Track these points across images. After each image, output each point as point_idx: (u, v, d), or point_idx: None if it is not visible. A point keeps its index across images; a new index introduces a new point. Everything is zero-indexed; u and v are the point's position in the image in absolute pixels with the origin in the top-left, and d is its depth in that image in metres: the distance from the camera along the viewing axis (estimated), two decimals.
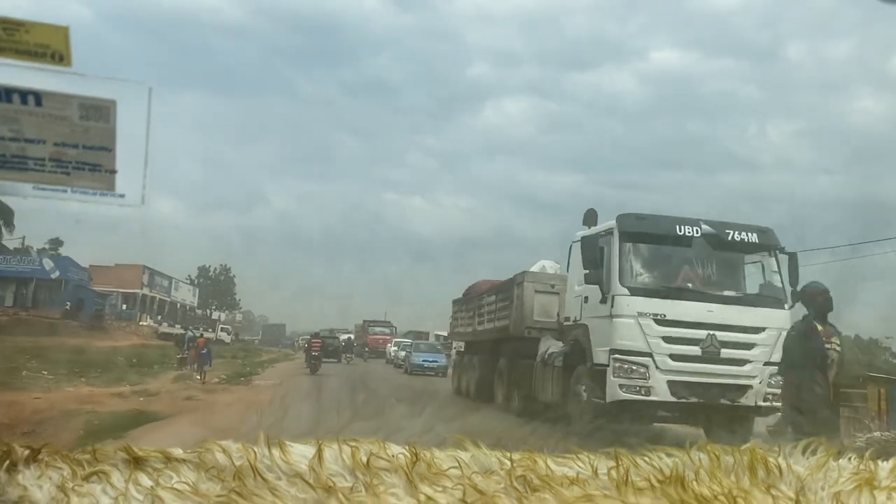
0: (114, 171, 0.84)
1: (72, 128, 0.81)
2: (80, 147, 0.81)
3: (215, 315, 70.84)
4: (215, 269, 75.35)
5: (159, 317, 55.10)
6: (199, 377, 21.58)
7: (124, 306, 53.04)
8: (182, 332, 24.43)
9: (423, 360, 32.72)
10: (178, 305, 62.77)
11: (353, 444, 1.04)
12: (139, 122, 0.84)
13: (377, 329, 53.83)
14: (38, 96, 0.89)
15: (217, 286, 74.87)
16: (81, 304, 40.32)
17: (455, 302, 21.65)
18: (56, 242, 48.90)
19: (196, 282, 73.13)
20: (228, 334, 58.60)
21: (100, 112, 0.82)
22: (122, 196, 0.85)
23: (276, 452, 1.01)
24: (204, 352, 25.24)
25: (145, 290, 55.63)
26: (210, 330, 55.59)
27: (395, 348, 41.58)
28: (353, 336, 55.55)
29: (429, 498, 0.95)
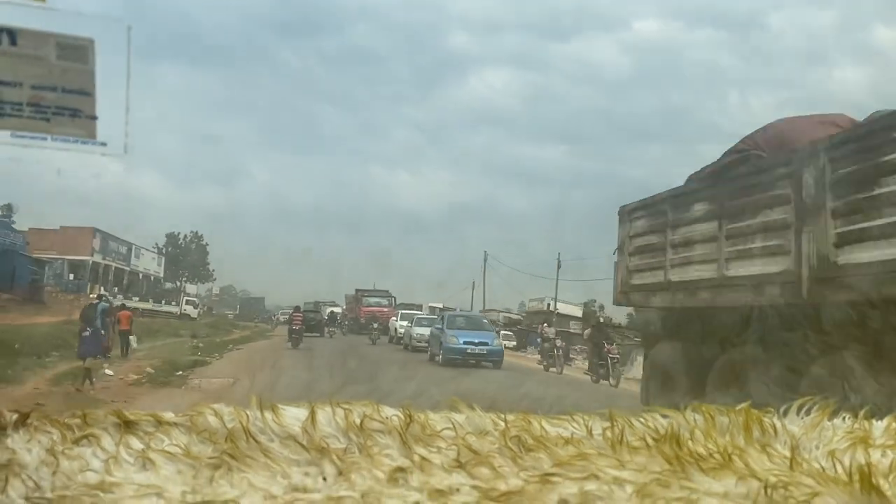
0: (94, 118, 0.81)
1: (49, 69, 0.77)
2: (58, 90, 0.77)
3: (191, 289, 63.62)
4: (185, 236, 66.28)
5: (115, 289, 45.42)
6: (106, 370, 15.00)
7: (71, 276, 45.00)
8: (95, 300, 16.86)
9: (467, 344, 21.96)
10: (140, 276, 54.86)
11: (346, 406, 1.03)
12: (118, 63, 0.81)
13: (372, 300, 44.99)
14: (13, 34, 0.84)
15: (187, 255, 65.80)
16: (12, 272, 33.05)
17: (646, 208, 9.56)
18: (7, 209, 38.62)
19: (164, 251, 63.87)
20: (195, 307, 51.83)
21: (78, 52, 0.78)
22: (103, 145, 0.82)
23: (268, 415, 1.01)
24: (124, 331, 18.89)
25: (97, 258, 47.18)
26: (172, 302, 51.18)
27: (406, 323, 31.39)
28: (341, 309, 50.80)
29: (423, 458, 0.95)
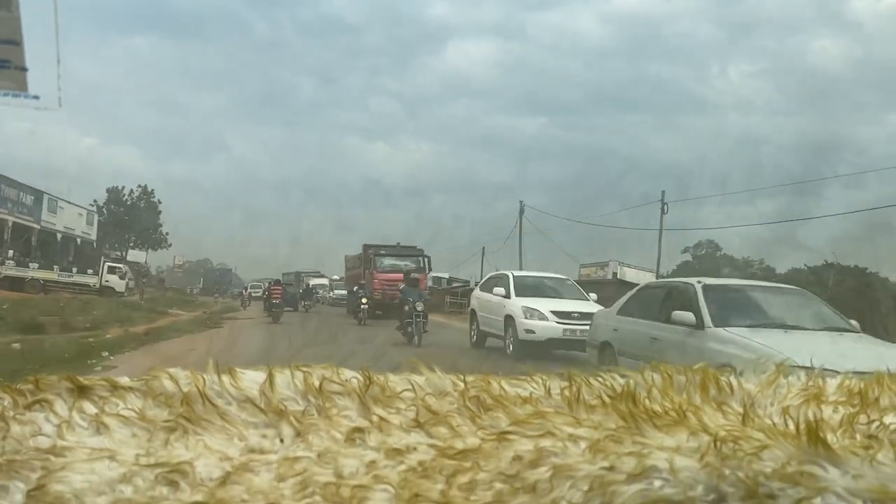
0: (24, 69, 0.79)
1: None
2: None
3: (137, 257, 48.60)
4: (132, 191, 51.51)
5: (11, 252, 35.63)
6: None
7: None
8: None
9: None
10: (60, 237, 41.04)
11: (305, 369, 1.03)
12: (45, 11, 0.78)
13: (392, 263, 29.57)
14: None
15: (133, 215, 51.42)
16: None
17: None
18: None
19: (103, 209, 49.76)
20: (122, 278, 38.09)
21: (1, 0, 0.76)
22: (36, 98, 0.80)
23: (226, 379, 1.00)
24: None
25: None
26: (89, 271, 37.83)
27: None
28: (329, 281, 42.45)
29: (382, 419, 0.95)
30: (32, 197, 38.85)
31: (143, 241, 53.57)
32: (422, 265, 30.85)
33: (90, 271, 38.65)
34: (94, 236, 47.40)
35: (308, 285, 40.52)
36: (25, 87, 0.77)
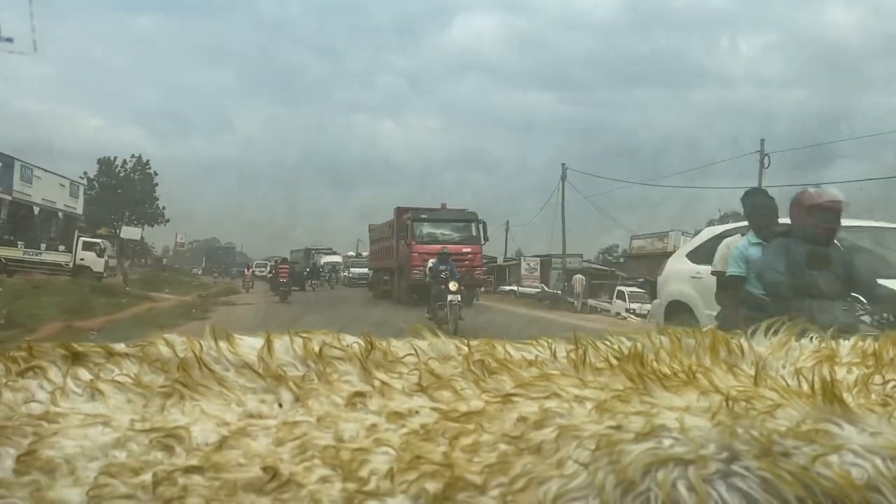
0: None
1: None
2: None
3: (131, 233, 42.92)
4: (125, 161, 45.68)
5: None
6: None
7: None
8: None
9: None
10: (37, 211, 35.19)
11: (305, 335, 1.01)
12: None
13: (431, 231, 22.70)
14: None
15: (127, 188, 46.01)
16: None
17: None
18: None
19: (94, 182, 44.79)
20: (101, 255, 31.35)
21: None
22: (9, 41, 0.77)
23: (223, 345, 0.98)
24: None
25: None
26: (61, 247, 32.22)
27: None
28: (342, 259, 37.54)
29: (383, 383, 0.93)
30: (0, 163, 32.50)
31: (139, 217, 47.14)
32: (475, 234, 23.33)
33: (62, 248, 32.51)
34: (80, 210, 40.74)
35: (315, 264, 37.56)
36: None
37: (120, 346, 0.99)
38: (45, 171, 35.61)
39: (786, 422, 0.73)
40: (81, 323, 15.89)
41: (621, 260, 38.38)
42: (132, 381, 0.91)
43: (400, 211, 24.94)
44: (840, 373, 0.94)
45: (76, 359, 0.95)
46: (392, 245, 24.74)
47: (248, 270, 37.26)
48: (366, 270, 34.11)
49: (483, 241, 23.46)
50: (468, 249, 21.99)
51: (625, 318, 25.69)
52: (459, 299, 14.95)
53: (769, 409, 0.75)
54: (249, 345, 0.99)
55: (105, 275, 30.40)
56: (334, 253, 39.86)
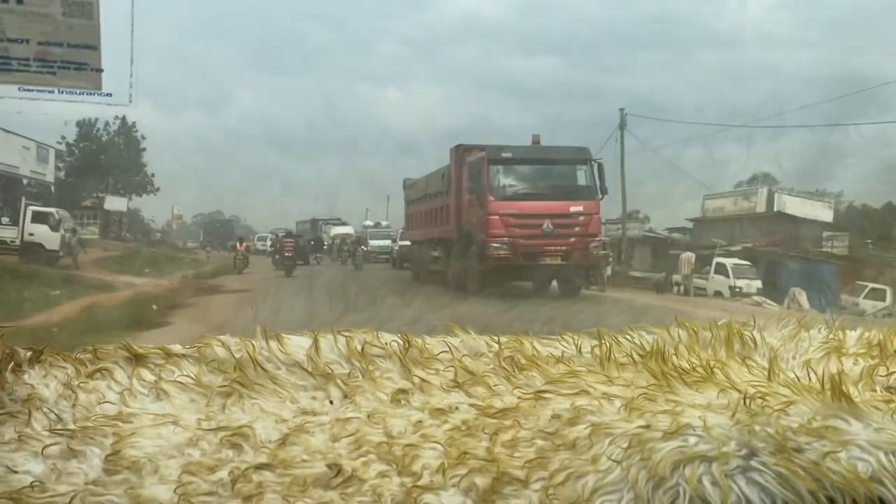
0: (100, 70, 0.83)
1: (55, 26, 0.79)
2: (64, 46, 0.79)
3: (116, 204, 37.23)
4: (106, 124, 38.46)
5: None
6: None
7: None
8: None
9: None
10: (3, 180, 28.55)
11: (346, 334, 1.07)
12: (122, 18, 0.81)
13: (509, 180, 15.57)
14: None
15: (108, 152, 39.93)
16: None
17: None
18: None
19: (74, 148, 38.64)
20: (55, 229, 24.16)
21: (82, 8, 0.80)
22: (109, 95, 0.84)
23: (273, 344, 1.05)
24: None
25: None
26: (4, 220, 25.40)
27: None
28: (353, 231, 31.71)
29: (422, 380, 1.00)
30: None
31: (125, 186, 40.95)
32: (587, 183, 15.81)
33: (5, 220, 25.68)
34: (50, 178, 34.54)
35: (319, 236, 33.07)
36: (100, 87, 0.80)
37: (177, 347, 1.06)
38: (11, 133, 28.54)
39: (798, 418, 0.80)
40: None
41: (691, 225, 31.45)
42: (193, 381, 0.98)
43: (462, 150, 16.86)
44: (847, 364, 1.01)
45: (138, 360, 1.02)
46: (449, 204, 17.02)
47: (240, 245, 29.12)
48: (387, 243, 28.29)
49: (601, 195, 15.88)
50: (578, 208, 15.01)
51: (759, 303, 19.01)
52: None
53: (783, 406, 0.81)
54: (297, 344, 1.06)
55: (61, 253, 24.66)
56: (344, 223, 33.98)
